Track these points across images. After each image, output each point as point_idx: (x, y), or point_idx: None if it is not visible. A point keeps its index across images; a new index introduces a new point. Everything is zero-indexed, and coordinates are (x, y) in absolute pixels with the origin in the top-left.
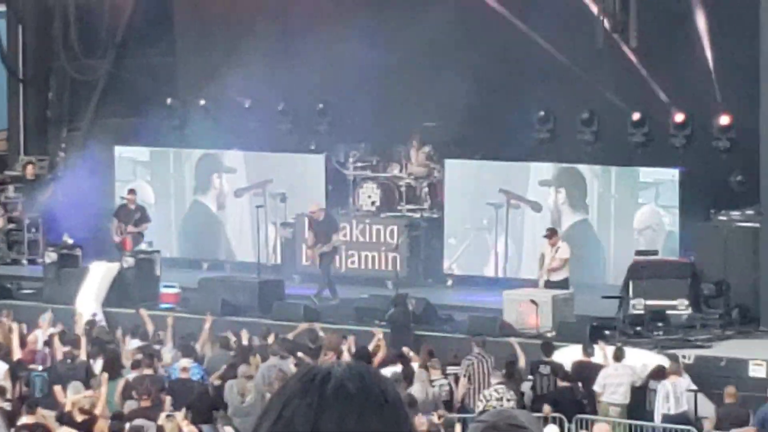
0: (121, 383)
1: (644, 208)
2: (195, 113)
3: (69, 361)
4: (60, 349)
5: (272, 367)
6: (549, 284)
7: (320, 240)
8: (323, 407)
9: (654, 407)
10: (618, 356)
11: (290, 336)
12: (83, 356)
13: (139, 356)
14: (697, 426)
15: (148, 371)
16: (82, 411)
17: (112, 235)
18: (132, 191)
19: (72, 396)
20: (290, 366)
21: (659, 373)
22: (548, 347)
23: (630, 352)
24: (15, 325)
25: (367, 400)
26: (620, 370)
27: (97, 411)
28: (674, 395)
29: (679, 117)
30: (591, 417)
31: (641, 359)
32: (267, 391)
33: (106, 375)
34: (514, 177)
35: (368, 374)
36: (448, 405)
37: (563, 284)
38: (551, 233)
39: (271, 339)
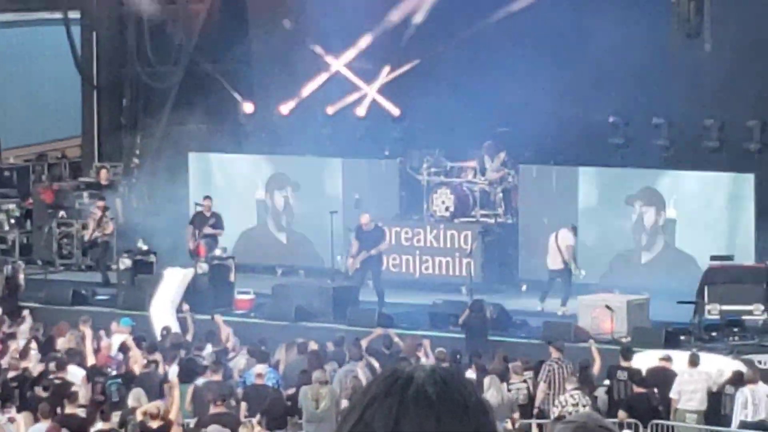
0: (191, 389)
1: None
2: (269, 120)
3: (145, 368)
4: (136, 356)
5: (348, 372)
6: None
7: (364, 248)
8: (403, 411)
9: (730, 413)
10: (693, 362)
11: (364, 342)
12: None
13: (208, 362)
14: None
15: (216, 377)
16: (154, 417)
17: (187, 242)
18: (208, 198)
19: (139, 403)
20: (365, 371)
21: (737, 379)
22: (627, 351)
23: (705, 357)
24: (89, 331)
25: (447, 406)
26: (695, 376)
27: (171, 416)
28: (753, 402)
29: (757, 123)
30: (667, 423)
31: (717, 365)
32: (342, 397)
33: (176, 381)
34: (587, 182)
35: (451, 379)
36: (525, 409)
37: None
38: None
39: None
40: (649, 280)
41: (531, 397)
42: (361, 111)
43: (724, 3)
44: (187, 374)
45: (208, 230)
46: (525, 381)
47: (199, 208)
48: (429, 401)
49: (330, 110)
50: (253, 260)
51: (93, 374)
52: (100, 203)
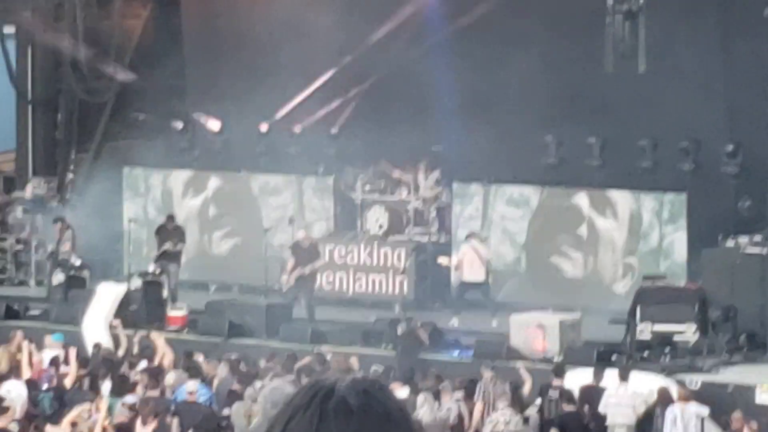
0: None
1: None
2: (204, 134)
3: (77, 383)
4: (71, 370)
5: (276, 389)
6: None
7: (300, 264)
8: (323, 422)
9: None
10: (623, 376)
11: (298, 365)
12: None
13: (144, 378)
14: None
15: (152, 393)
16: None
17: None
18: (171, 217)
19: (72, 414)
20: (295, 387)
21: (666, 398)
22: (559, 370)
23: (637, 376)
24: (26, 344)
25: (369, 416)
26: (622, 391)
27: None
28: (682, 420)
29: (690, 143)
30: None
31: (648, 384)
32: (273, 413)
33: (106, 395)
34: (516, 200)
35: (373, 390)
36: (456, 429)
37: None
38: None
39: (274, 362)
40: (580, 298)
41: (461, 417)
42: (297, 128)
43: (658, 24)
44: (119, 390)
45: (177, 248)
46: (457, 401)
47: (162, 223)
48: (349, 412)
49: (263, 128)
50: (186, 276)
51: (29, 388)
52: (60, 226)
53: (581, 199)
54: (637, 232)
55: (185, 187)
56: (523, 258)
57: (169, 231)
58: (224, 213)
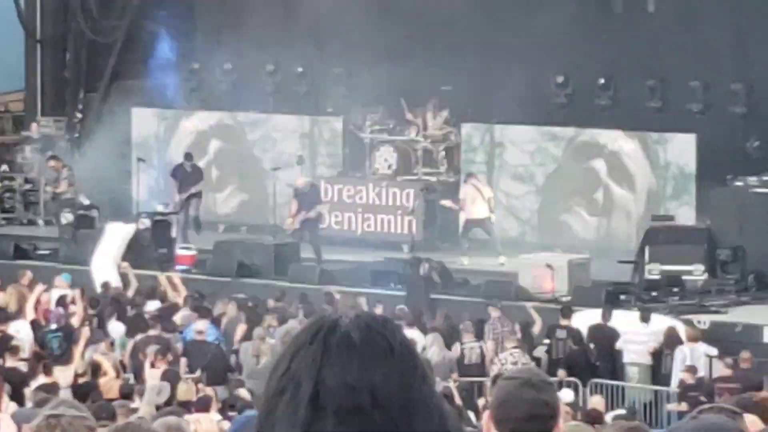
0: (130, 344)
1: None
2: (213, 75)
3: (85, 323)
4: (78, 310)
5: (288, 330)
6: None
7: (303, 209)
8: (326, 357)
9: (670, 372)
10: (644, 317)
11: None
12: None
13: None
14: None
15: (154, 332)
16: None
17: (173, 196)
18: (189, 155)
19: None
20: None
21: (675, 338)
22: (567, 310)
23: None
24: (38, 287)
25: (371, 350)
26: (641, 330)
27: (110, 371)
28: (691, 360)
29: (699, 83)
30: (606, 381)
31: (658, 324)
32: None
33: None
34: (531, 141)
35: (375, 324)
36: (478, 368)
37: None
38: (467, 176)
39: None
40: (589, 238)
41: (483, 356)
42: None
43: None
44: (131, 329)
45: (192, 189)
46: (477, 339)
47: (180, 162)
48: (352, 346)
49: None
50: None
51: (33, 328)
52: (53, 163)
53: (590, 139)
54: (646, 173)
55: (194, 126)
56: (533, 200)
57: (187, 172)
58: (232, 154)
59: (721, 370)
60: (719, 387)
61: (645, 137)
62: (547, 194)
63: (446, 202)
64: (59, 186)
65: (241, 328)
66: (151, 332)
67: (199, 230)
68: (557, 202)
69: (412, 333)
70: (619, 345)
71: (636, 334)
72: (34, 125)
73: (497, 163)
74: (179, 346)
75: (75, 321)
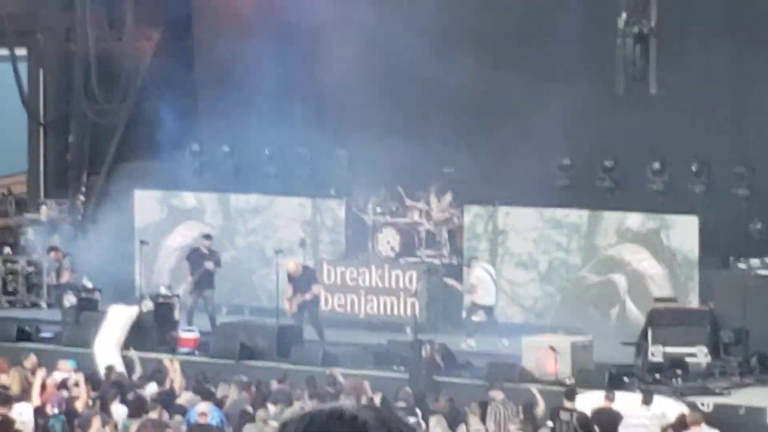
0: (134, 427)
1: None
2: (215, 157)
3: (91, 405)
4: (81, 393)
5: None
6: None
7: (298, 291)
8: None
9: None
10: (646, 400)
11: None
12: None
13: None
14: None
15: (153, 415)
16: None
17: (186, 277)
18: (208, 236)
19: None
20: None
21: (681, 424)
22: (571, 392)
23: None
24: (40, 371)
25: None
26: (643, 412)
27: None
28: None
29: (702, 165)
30: None
31: (660, 407)
32: None
33: (120, 417)
34: (534, 223)
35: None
36: None
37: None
38: (470, 259)
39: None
40: (593, 320)
41: None
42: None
43: (669, 46)
44: (135, 412)
45: (208, 265)
46: (484, 423)
47: (195, 245)
48: None
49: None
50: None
51: (37, 414)
52: (54, 254)
53: (593, 222)
54: (648, 255)
55: (197, 209)
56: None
57: (203, 254)
58: (235, 235)
59: None
60: None
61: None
62: (550, 282)
63: (450, 281)
64: (63, 276)
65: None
66: (152, 415)
67: (213, 323)
68: (562, 290)
69: (412, 419)
70: (621, 429)
71: (637, 417)
72: (44, 208)
73: (500, 250)
74: (183, 429)
75: (78, 404)
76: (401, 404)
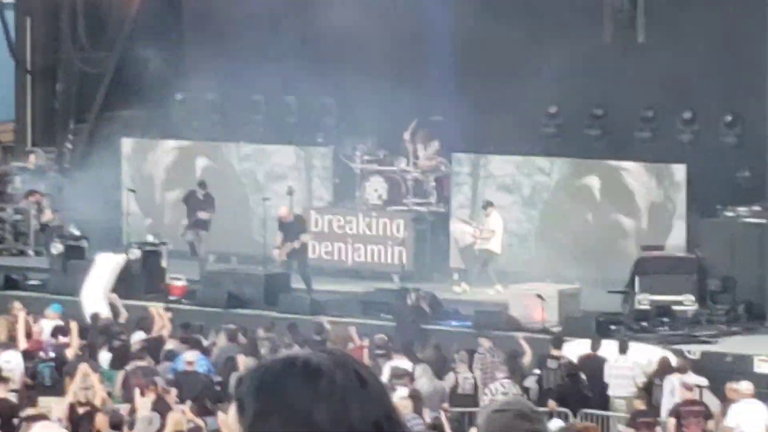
0: (121, 375)
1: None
2: (203, 106)
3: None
4: (73, 341)
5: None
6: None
7: (288, 239)
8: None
9: (660, 402)
10: (622, 348)
11: None
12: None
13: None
14: None
15: (141, 363)
16: (81, 404)
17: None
18: (202, 183)
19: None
20: None
21: (665, 368)
22: (558, 341)
23: (636, 347)
24: (22, 315)
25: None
26: (622, 362)
27: (96, 402)
28: (680, 390)
29: (689, 114)
30: (596, 412)
31: (647, 354)
32: None
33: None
34: (520, 172)
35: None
36: (473, 398)
37: (487, 254)
38: (486, 206)
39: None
40: (580, 268)
41: (476, 387)
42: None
43: None
44: (119, 360)
45: (202, 215)
46: (471, 370)
47: (192, 189)
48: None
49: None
50: (185, 246)
51: (25, 358)
52: (33, 197)
53: (580, 169)
54: (636, 203)
55: (184, 157)
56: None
57: (199, 199)
58: (223, 183)
59: (687, 394)
60: (684, 410)
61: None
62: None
63: (460, 227)
64: (44, 215)
65: (242, 360)
66: (141, 363)
67: (194, 256)
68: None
69: (400, 362)
70: (605, 378)
71: (616, 367)
72: (31, 156)
73: (486, 193)
74: (169, 377)
75: (69, 352)
76: (379, 351)
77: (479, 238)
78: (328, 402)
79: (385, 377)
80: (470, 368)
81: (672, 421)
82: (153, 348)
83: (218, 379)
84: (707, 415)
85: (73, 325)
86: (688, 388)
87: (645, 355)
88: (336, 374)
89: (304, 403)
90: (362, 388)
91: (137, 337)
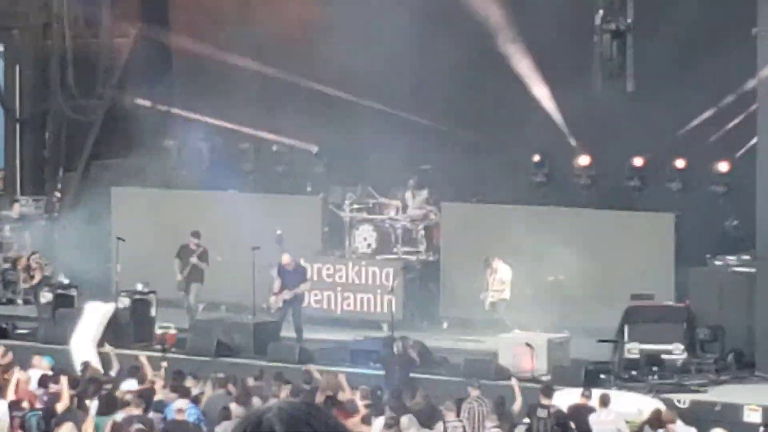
0: (109, 423)
1: None
2: (191, 154)
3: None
4: (63, 393)
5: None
6: (492, 306)
7: (287, 287)
8: None
9: None
10: (603, 402)
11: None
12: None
13: (129, 396)
14: None
15: (137, 411)
16: None
17: (176, 274)
18: (196, 233)
19: None
20: None
21: (656, 419)
22: (548, 390)
23: (625, 396)
24: (17, 370)
25: None
26: (604, 416)
27: None
28: None
29: (679, 163)
30: None
31: (637, 404)
32: None
33: (92, 413)
34: (509, 220)
35: (299, 413)
36: None
37: (501, 305)
38: (489, 260)
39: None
40: (570, 317)
41: None
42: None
43: (646, 43)
44: (107, 408)
45: (194, 260)
46: (461, 420)
47: (185, 243)
48: None
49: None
50: (174, 295)
51: (12, 408)
52: (19, 265)
53: (570, 219)
54: (625, 253)
55: (174, 206)
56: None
57: (192, 250)
58: (212, 232)
59: None
60: None
61: (625, 216)
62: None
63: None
64: (34, 277)
65: (234, 409)
66: (135, 411)
67: (194, 314)
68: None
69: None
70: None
71: (599, 422)
72: (16, 206)
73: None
74: (160, 427)
75: (59, 406)
76: (365, 402)
77: (492, 291)
78: None
79: (375, 430)
80: (459, 416)
81: None
82: (145, 397)
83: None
84: None
85: (63, 379)
86: None
87: (635, 404)
88: (276, 426)
89: None
90: None
91: (128, 385)
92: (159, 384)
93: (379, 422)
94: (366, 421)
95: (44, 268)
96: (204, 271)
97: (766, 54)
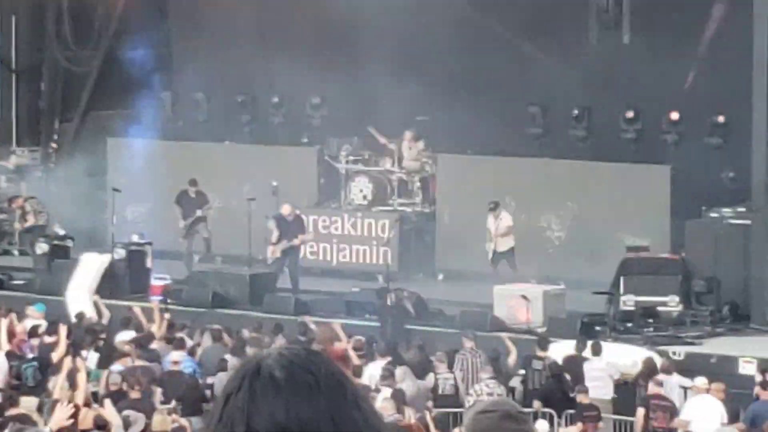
0: (105, 374)
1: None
2: (188, 105)
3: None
4: (51, 340)
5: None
6: (496, 255)
7: (286, 237)
8: (253, 403)
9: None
10: (596, 351)
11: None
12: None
13: (129, 347)
14: None
15: (139, 362)
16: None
17: (178, 221)
18: (194, 181)
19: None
20: None
21: (651, 369)
22: (544, 342)
23: (620, 348)
24: (4, 320)
25: (296, 388)
26: (597, 364)
27: (78, 401)
28: (665, 392)
29: (673, 115)
30: None
31: (632, 355)
32: None
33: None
34: (507, 172)
35: (299, 359)
36: (453, 399)
37: (510, 253)
38: (494, 205)
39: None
40: (565, 269)
41: (457, 387)
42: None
43: None
44: (106, 359)
45: (198, 213)
46: (451, 371)
47: (184, 188)
48: (277, 386)
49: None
50: (170, 246)
51: (8, 359)
52: (14, 204)
53: (565, 171)
54: (621, 204)
55: (169, 157)
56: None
57: (191, 198)
58: (208, 183)
59: (656, 389)
60: (653, 403)
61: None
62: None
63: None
64: (27, 220)
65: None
66: (139, 362)
67: (209, 251)
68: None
69: (381, 363)
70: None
71: (590, 369)
72: (12, 156)
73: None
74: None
75: (55, 356)
76: (359, 353)
77: (499, 237)
78: (264, 402)
79: (366, 379)
80: (451, 368)
81: (641, 412)
82: (144, 345)
83: (207, 380)
84: (674, 411)
85: (63, 329)
86: (658, 383)
87: (630, 355)
88: (276, 371)
89: (242, 403)
90: (313, 386)
91: (123, 336)
92: (157, 333)
93: (369, 370)
94: (357, 373)
95: (38, 216)
96: (206, 216)
97: (761, 5)
